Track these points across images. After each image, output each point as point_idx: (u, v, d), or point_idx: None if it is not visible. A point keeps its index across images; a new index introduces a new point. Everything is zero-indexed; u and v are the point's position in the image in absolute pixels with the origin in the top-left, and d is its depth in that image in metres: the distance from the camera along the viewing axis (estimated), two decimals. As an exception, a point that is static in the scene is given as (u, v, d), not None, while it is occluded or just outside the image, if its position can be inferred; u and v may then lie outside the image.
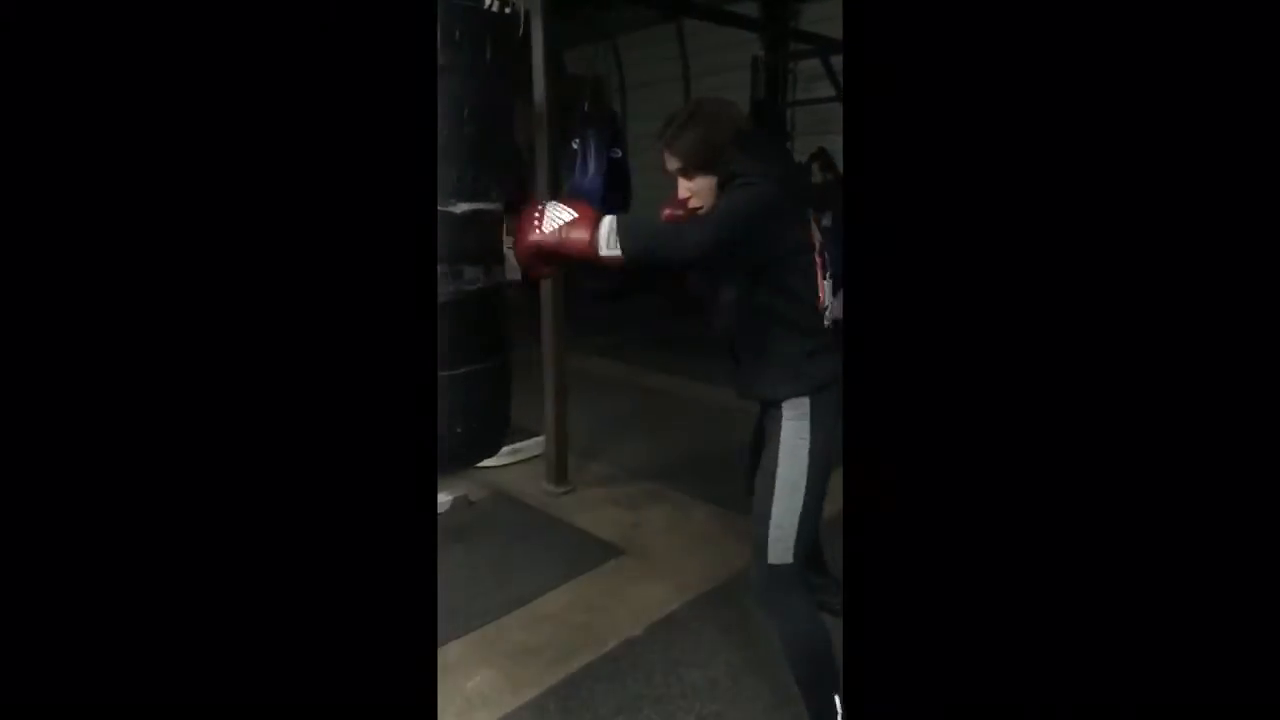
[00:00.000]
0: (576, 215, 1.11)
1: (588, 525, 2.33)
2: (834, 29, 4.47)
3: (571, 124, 6.28)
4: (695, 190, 1.25)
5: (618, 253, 1.09)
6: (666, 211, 1.28)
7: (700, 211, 1.25)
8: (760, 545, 1.26)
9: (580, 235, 1.10)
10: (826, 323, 1.29)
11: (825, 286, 1.28)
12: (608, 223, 1.10)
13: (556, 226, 1.11)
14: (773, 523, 1.24)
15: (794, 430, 1.25)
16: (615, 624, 1.81)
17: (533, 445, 2.85)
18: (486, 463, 2.82)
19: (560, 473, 2.60)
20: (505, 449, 2.83)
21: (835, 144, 5.18)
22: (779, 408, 1.26)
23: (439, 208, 1.16)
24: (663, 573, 2.04)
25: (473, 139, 1.15)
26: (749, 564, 1.30)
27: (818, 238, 1.29)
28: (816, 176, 4.00)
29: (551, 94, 2.34)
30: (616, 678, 1.62)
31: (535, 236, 1.13)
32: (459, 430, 1.26)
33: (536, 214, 1.13)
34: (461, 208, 1.14)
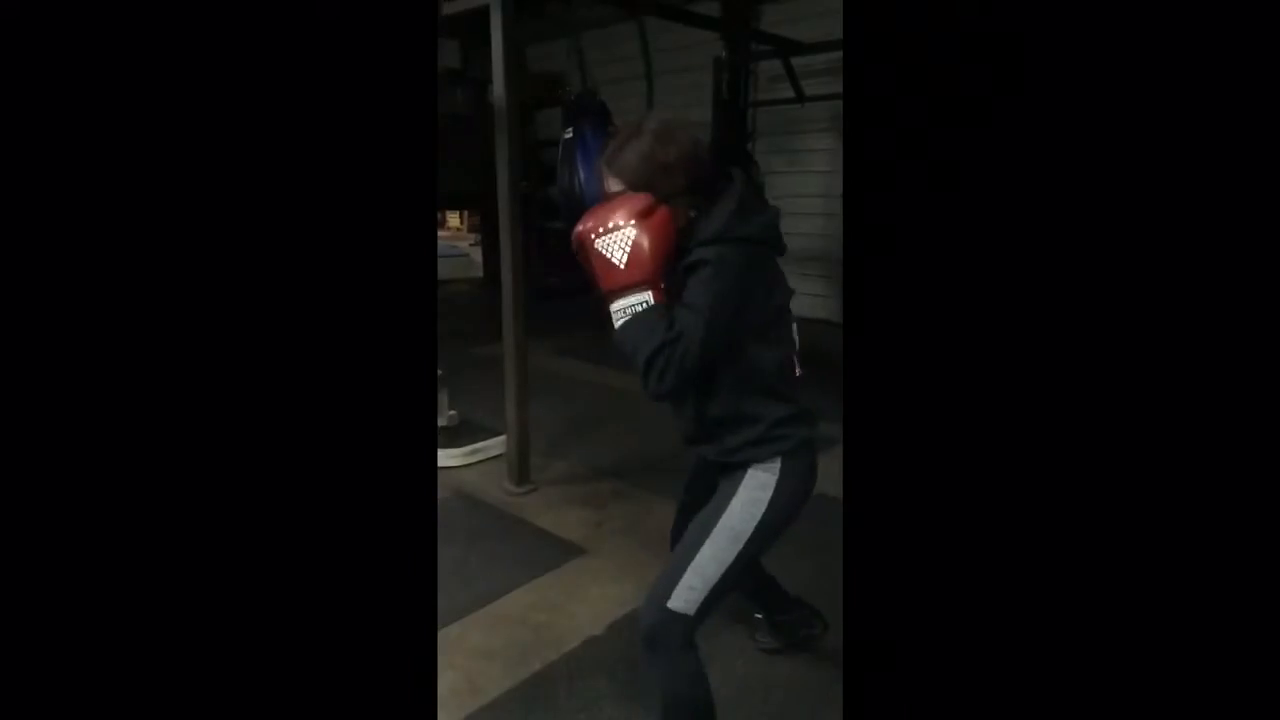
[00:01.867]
0: (625, 263, 1.06)
1: (549, 525, 2.32)
2: (794, 30, 4.52)
3: (534, 117, 6.21)
4: None
5: (617, 331, 1.09)
6: (580, 228, 1.13)
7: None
8: (667, 586, 1.14)
9: (606, 278, 1.08)
10: (799, 375, 1.21)
11: (796, 332, 1.21)
12: (620, 306, 1.08)
13: (605, 254, 1.08)
14: (693, 566, 1.14)
15: (759, 483, 1.17)
16: (577, 623, 1.81)
17: (494, 445, 2.83)
18: (447, 463, 2.80)
19: (522, 472, 2.58)
20: (466, 449, 2.81)
21: (795, 144, 5.24)
22: (744, 468, 1.18)
23: None
24: (624, 571, 2.04)
25: None
26: (644, 602, 1.19)
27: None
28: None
29: (512, 91, 2.31)
30: (578, 677, 1.61)
31: (587, 239, 1.09)
32: None
33: (602, 227, 1.08)
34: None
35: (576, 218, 1.12)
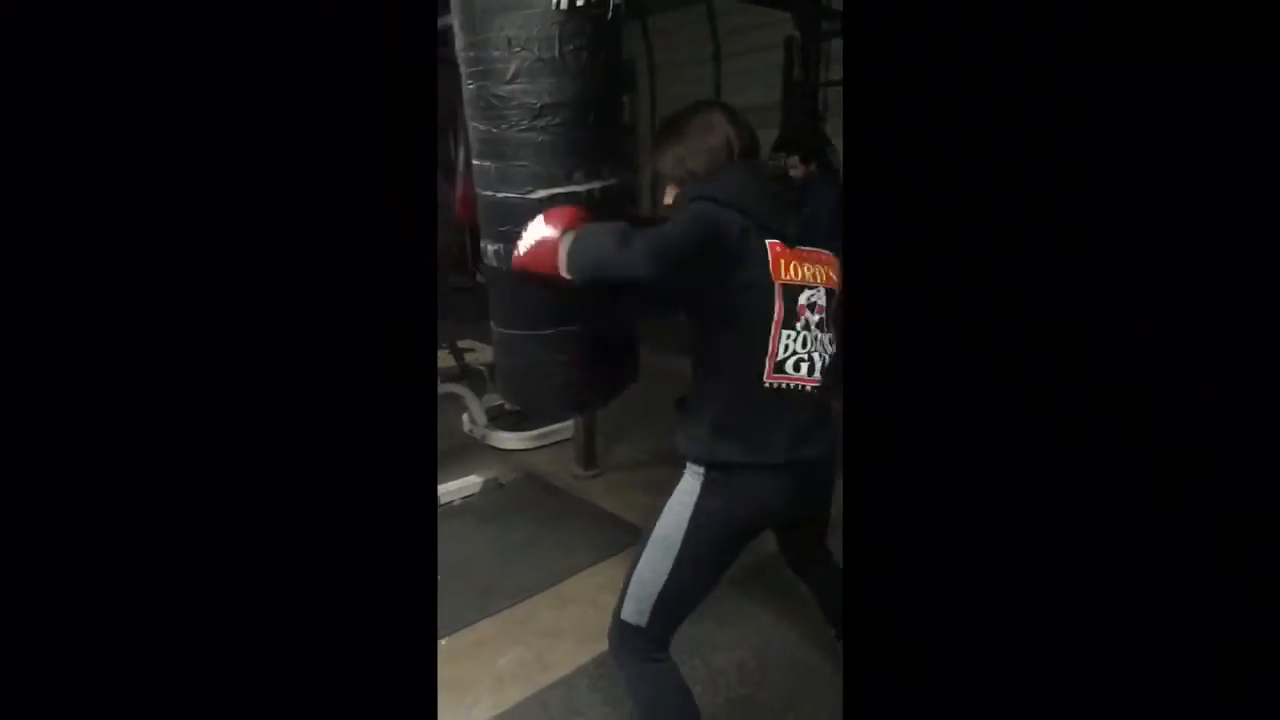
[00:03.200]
0: (551, 233, 1.05)
1: (615, 508, 2.36)
2: (868, 7, 4.38)
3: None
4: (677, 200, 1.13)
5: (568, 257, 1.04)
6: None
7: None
8: (620, 595, 1.16)
9: (546, 256, 1.05)
10: (770, 384, 1.05)
11: (798, 340, 1.06)
12: (567, 240, 1.04)
13: (531, 245, 1.07)
14: (634, 575, 1.14)
15: (686, 488, 1.12)
16: (643, 606, 1.83)
17: (562, 429, 2.88)
18: (516, 445, 2.86)
19: (589, 456, 2.62)
20: (535, 432, 2.87)
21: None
22: (685, 465, 1.13)
23: (546, 191, 1.14)
24: (690, 556, 2.05)
25: (551, 133, 1.12)
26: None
27: (810, 287, 1.06)
28: (793, 169, 3.15)
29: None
30: (644, 659, 1.64)
31: (516, 257, 1.10)
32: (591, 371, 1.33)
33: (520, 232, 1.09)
34: (541, 194, 1.13)
35: None
